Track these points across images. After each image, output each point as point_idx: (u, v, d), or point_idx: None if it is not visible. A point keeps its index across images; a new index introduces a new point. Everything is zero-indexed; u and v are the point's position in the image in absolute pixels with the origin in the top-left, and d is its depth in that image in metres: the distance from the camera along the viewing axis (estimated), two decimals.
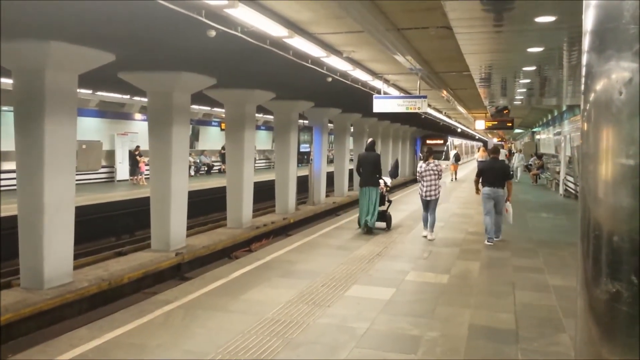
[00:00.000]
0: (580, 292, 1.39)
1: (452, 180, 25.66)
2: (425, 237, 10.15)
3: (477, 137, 60.43)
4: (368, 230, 10.58)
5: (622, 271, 1.23)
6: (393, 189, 17.35)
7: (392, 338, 5.13)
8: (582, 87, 1.38)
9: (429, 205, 10.11)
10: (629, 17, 1.20)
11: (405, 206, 15.23)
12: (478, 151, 27.76)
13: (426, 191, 10.08)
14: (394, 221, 11.53)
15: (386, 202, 11.18)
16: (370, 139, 11.39)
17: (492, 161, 10.17)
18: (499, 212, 9.74)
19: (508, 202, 9.82)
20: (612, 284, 1.25)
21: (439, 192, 10.17)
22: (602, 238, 1.28)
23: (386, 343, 5.00)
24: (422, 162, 10.42)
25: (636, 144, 1.20)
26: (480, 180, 9.89)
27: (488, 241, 9.68)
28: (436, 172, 10.08)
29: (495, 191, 9.64)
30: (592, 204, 1.33)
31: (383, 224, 11.04)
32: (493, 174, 9.72)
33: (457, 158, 28.33)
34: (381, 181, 10.88)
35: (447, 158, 29.84)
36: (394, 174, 12.11)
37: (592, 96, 1.33)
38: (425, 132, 40.52)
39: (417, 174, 10.45)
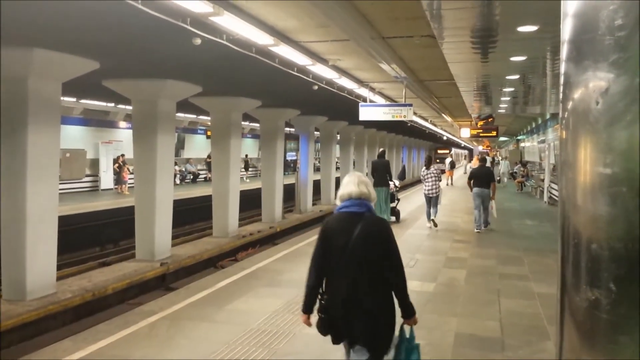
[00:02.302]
0: (560, 299, 1.40)
1: (447, 184, 26.96)
2: (430, 227, 12.40)
3: (462, 145, 61.39)
4: None
5: (601, 278, 1.24)
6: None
7: None
8: (561, 96, 1.40)
9: (431, 201, 12.46)
10: (605, 28, 1.21)
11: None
12: (464, 159, 30.01)
13: (429, 190, 12.43)
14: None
15: (395, 200, 13.60)
16: (381, 149, 13.98)
17: (480, 167, 12.73)
18: (485, 208, 12.12)
19: (492, 201, 12.26)
20: (592, 291, 1.25)
21: (439, 191, 12.56)
22: (582, 245, 1.29)
23: None
24: (424, 167, 12.93)
25: (613, 152, 1.21)
26: (472, 182, 12.25)
27: (477, 229, 12.00)
28: (436, 175, 12.56)
29: (482, 190, 11.99)
30: (571, 211, 1.35)
31: (392, 218, 13.35)
32: (481, 177, 12.19)
33: (453, 165, 29.65)
34: (391, 183, 13.10)
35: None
36: (401, 176, 17.13)
37: (570, 105, 1.34)
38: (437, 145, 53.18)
39: (421, 177, 13.09)
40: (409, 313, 3.31)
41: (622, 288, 1.20)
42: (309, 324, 3.34)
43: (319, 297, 3.28)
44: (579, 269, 1.31)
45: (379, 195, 12.63)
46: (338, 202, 3.35)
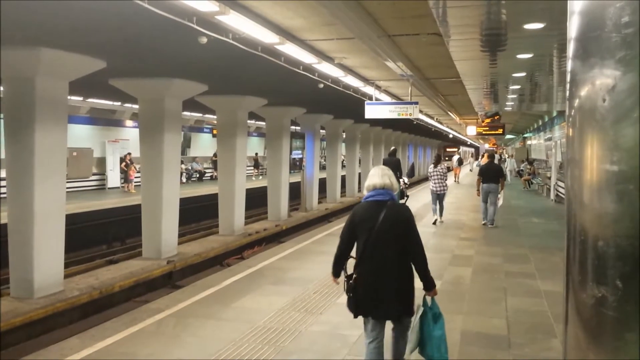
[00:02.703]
0: (567, 296, 1.40)
1: (454, 181, 27.33)
2: (434, 223, 12.83)
3: (468, 143, 61.31)
4: None
5: (607, 276, 1.24)
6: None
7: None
8: (567, 93, 1.40)
9: (438, 197, 12.99)
10: (612, 25, 1.21)
11: None
12: (471, 156, 31.26)
13: (437, 187, 12.91)
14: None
15: (405, 196, 14.21)
16: (392, 148, 14.92)
17: (489, 164, 13.19)
18: (492, 203, 12.59)
19: (501, 193, 13.26)
20: (598, 288, 1.25)
21: (445, 188, 13.01)
22: (588, 243, 1.29)
23: None
24: (432, 165, 13.36)
25: (620, 150, 1.21)
26: (482, 179, 12.74)
27: (484, 221, 12.72)
28: (442, 173, 13.05)
29: (490, 186, 12.51)
30: (577, 209, 1.34)
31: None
32: (490, 173, 12.72)
33: (460, 162, 30.15)
34: (401, 180, 13.52)
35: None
36: (410, 174, 18.15)
37: (576, 102, 1.34)
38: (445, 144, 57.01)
39: (428, 174, 13.44)
40: (430, 286, 3.87)
41: (629, 285, 1.20)
42: (337, 283, 4.08)
43: (347, 279, 3.85)
44: (585, 267, 1.30)
45: None
46: (365, 192, 3.93)
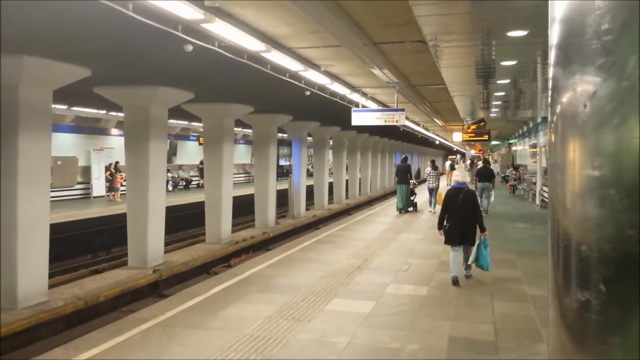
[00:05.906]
0: (552, 301, 1.41)
1: (447, 184, 27.56)
2: (431, 211, 16.57)
3: (455, 150, 61.91)
4: (404, 212, 16.88)
5: (591, 280, 1.25)
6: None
7: (372, 351, 5.11)
8: (549, 100, 1.41)
9: (431, 192, 17.01)
10: (592, 32, 1.23)
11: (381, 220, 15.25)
12: (462, 162, 34.69)
13: (430, 184, 17.18)
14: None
15: (414, 194, 17.55)
16: (404, 155, 18.70)
17: (483, 167, 17.53)
18: (487, 197, 16.13)
19: (493, 190, 16.84)
20: (582, 292, 1.26)
21: (437, 185, 16.99)
22: (571, 247, 1.30)
23: (367, 356, 4.99)
24: (428, 167, 17.75)
25: (601, 155, 1.22)
26: (478, 179, 16.52)
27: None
28: (434, 174, 17.17)
29: (484, 184, 16.25)
30: (560, 214, 1.36)
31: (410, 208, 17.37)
32: (484, 174, 16.61)
33: (452, 167, 31.12)
34: (411, 182, 17.31)
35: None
36: (417, 176, 22.57)
37: (558, 109, 1.36)
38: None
39: (425, 174, 18.20)
40: (483, 229, 7.59)
41: (612, 289, 1.21)
42: (441, 234, 7.85)
43: (445, 226, 7.73)
44: (569, 271, 1.32)
45: (401, 190, 17.00)
46: (453, 183, 7.93)
